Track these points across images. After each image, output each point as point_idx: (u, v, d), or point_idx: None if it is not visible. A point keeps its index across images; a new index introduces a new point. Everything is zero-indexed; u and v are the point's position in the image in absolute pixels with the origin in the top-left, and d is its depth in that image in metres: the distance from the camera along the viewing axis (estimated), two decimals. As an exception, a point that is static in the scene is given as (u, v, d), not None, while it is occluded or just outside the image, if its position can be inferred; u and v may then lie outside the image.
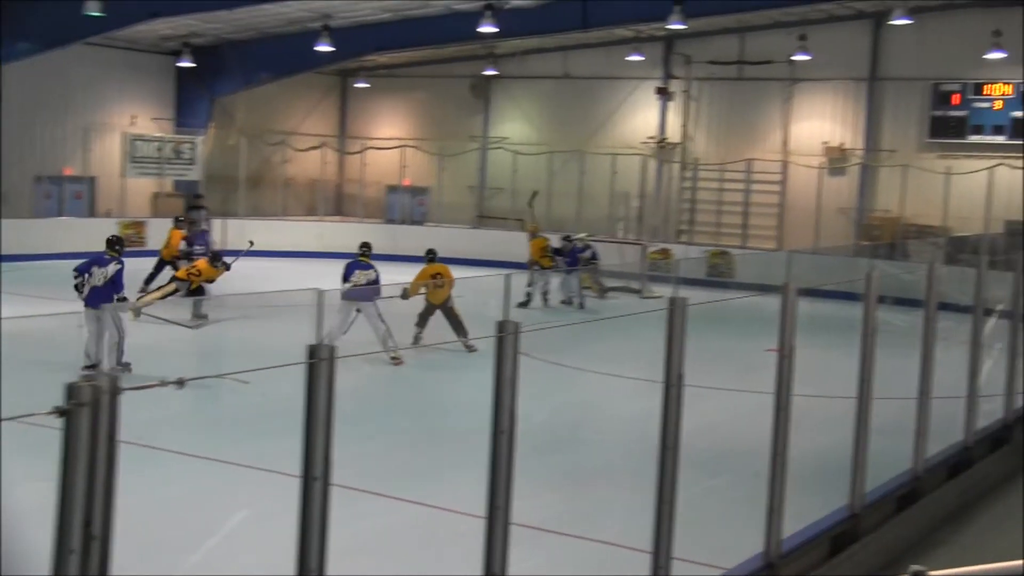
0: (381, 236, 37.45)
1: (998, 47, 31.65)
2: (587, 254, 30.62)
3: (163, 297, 22.96)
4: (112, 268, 18.02)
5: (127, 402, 4.58)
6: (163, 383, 4.97)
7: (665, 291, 28.46)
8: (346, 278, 20.97)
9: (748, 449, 12.50)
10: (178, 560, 9.90)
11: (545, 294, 28.74)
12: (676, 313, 7.68)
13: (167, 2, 31.97)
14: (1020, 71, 33.71)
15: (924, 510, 11.02)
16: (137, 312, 21.23)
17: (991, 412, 13.36)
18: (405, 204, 43.04)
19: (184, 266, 24.65)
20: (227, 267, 23.89)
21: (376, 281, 20.87)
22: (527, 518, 8.29)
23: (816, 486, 10.61)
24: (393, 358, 19.89)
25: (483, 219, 41.97)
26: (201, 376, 5.27)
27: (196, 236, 28.14)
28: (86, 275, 17.93)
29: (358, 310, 20.05)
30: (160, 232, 36.27)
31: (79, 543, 4.45)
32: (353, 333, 18.74)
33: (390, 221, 42.43)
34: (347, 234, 37.70)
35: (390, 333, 19.90)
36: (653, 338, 7.98)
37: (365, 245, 22.00)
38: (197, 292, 23.21)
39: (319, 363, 5.61)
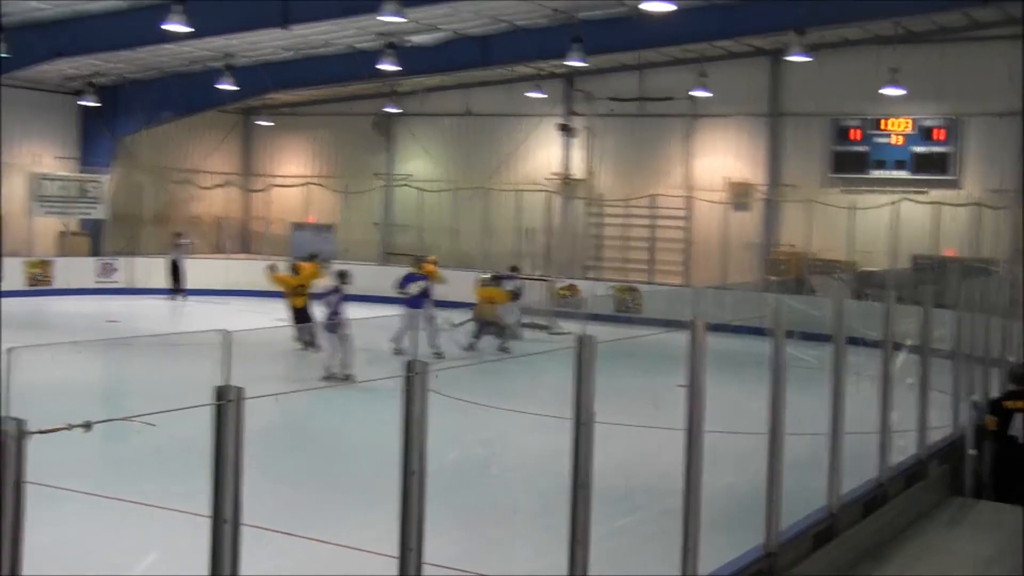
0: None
1: (895, 83, 32.01)
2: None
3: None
4: (333, 297, 23.02)
5: (33, 444, 4.47)
6: (70, 427, 4.83)
7: (573, 327, 28.52)
8: (403, 288, 26.35)
9: (660, 487, 12.45)
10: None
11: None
12: (584, 351, 7.59)
13: (70, 42, 31.71)
14: (918, 107, 34.22)
15: (840, 548, 10.95)
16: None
17: (905, 448, 13.36)
18: (311, 241, 42.74)
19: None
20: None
21: (428, 290, 26.23)
22: (437, 556, 8.18)
23: (731, 524, 10.52)
24: (436, 354, 24.54)
25: (389, 256, 41.83)
26: (108, 419, 5.12)
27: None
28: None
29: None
30: (66, 270, 36.21)
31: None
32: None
33: (296, 258, 42.11)
34: (254, 271, 37.48)
35: (436, 334, 25.58)
36: (562, 374, 7.91)
37: (419, 259, 28.40)
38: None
39: (227, 405, 5.49)
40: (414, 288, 26.20)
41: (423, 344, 24.86)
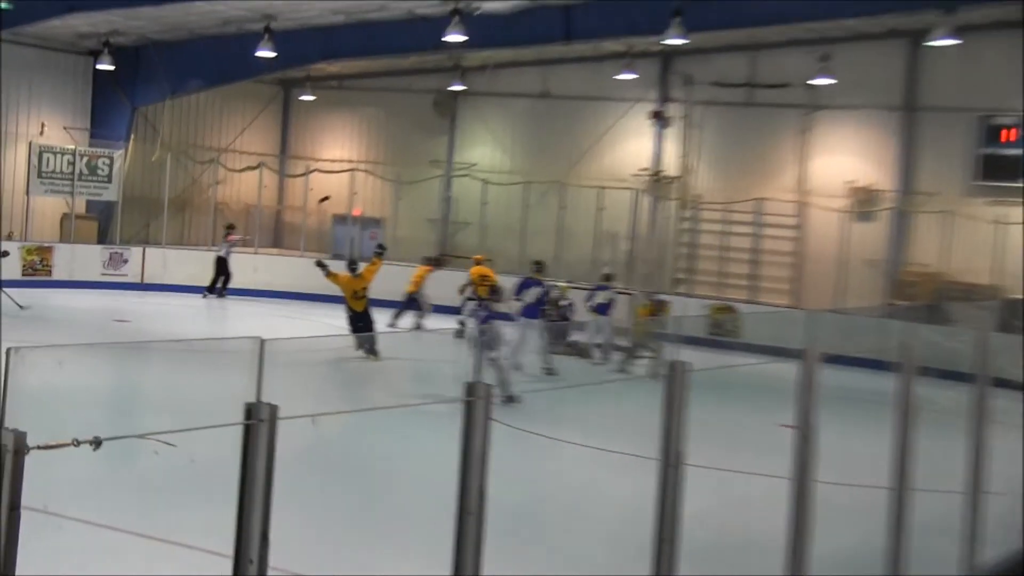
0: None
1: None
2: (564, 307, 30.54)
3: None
4: (482, 312, 23.50)
5: (32, 462, 4.51)
6: (76, 443, 4.86)
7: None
8: (518, 295, 27.18)
9: (756, 543, 12.40)
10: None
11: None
12: (676, 380, 7.54)
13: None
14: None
15: (978, 630, 10.84)
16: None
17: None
18: (355, 237, 42.65)
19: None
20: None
21: (544, 297, 27.29)
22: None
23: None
24: (547, 371, 25.66)
25: (447, 258, 41.81)
26: (120, 436, 5.14)
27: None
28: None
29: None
30: (69, 259, 36.32)
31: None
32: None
33: (337, 256, 42.10)
34: (285, 269, 37.62)
35: (545, 348, 26.36)
36: (645, 403, 7.87)
37: (538, 263, 29.56)
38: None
39: (258, 424, 5.48)
40: (529, 296, 26.98)
41: (537, 360, 25.79)
